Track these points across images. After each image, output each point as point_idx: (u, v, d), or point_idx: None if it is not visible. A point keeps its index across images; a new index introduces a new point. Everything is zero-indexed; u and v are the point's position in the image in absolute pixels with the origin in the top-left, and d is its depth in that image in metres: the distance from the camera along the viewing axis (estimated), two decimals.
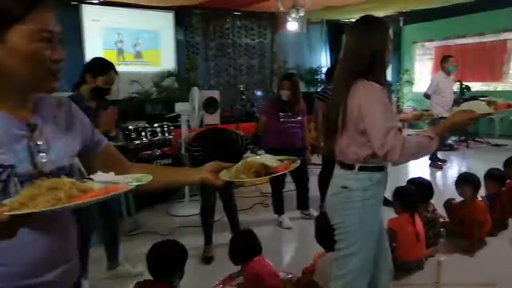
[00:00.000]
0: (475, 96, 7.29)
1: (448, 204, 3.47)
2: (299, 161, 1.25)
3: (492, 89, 8.27)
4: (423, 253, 2.78)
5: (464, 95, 7.21)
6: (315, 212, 3.87)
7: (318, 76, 9.27)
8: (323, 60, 10.02)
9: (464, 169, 5.50)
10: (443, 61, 5.76)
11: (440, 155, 5.88)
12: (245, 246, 2.36)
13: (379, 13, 9.12)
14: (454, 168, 5.84)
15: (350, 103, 1.63)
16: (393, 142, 1.48)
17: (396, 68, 9.95)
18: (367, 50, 1.62)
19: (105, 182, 0.82)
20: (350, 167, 1.69)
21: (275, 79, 8.73)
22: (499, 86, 8.35)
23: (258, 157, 1.25)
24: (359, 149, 1.66)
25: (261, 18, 8.77)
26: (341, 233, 1.75)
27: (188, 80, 7.64)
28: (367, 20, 1.69)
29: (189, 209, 4.02)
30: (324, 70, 9.59)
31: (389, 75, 6.21)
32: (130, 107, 6.63)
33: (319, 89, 8.88)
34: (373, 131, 1.55)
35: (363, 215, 1.69)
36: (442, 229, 3.28)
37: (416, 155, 1.55)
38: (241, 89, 6.93)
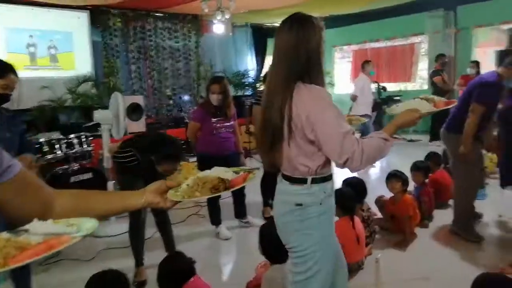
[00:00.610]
0: (391, 96, 7.86)
1: (379, 201, 3.60)
2: (255, 172, 1.14)
3: (403, 89, 8.97)
4: (363, 254, 2.81)
5: (381, 95, 7.69)
6: (254, 219, 3.76)
7: (246, 80, 9.26)
8: (250, 63, 10.05)
9: (385, 165, 5.81)
10: (366, 65, 6.18)
11: None
12: (175, 272, 2.10)
13: None
14: (376, 165, 6.13)
15: (296, 110, 1.48)
16: (352, 149, 1.39)
17: None
18: (305, 50, 1.50)
19: (44, 234, 0.72)
20: (301, 181, 1.54)
21: (202, 83, 8.50)
22: (409, 86, 9.09)
23: (209, 171, 1.12)
24: (309, 160, 1.52)
25: (185, 20, 8.48)
26: (299, 256, 1.59)
27: (108, 85, 7.08)
28: (301, 18, 1.56)
29: (116, 228, 3.64)
30: (251, 73, 9.62)
31: None
32: (41, 117, 5.93)
33: (247, 93, 8.93)
34: (329, 139, 1.43)
35: (322, 232, 1.57)
36: (376, 226, 3.38)
37: (374, 159, 1.47)
38: (168, 93, 6.61)
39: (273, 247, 2.08)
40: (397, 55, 9.12)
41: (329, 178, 1.59)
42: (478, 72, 6.62)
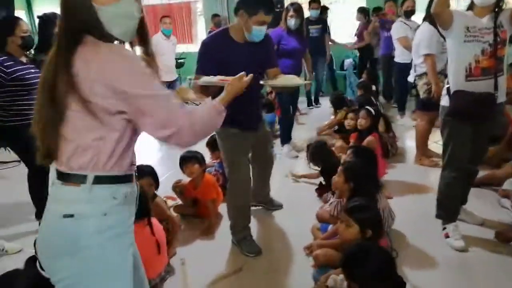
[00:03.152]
0: (176, 59, 7.38)
1: (178, 186, 3.17)
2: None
3: (186, 50, 8.68)
4: (166, 261, 2.32)
5: None
6: None
7: None
8: None
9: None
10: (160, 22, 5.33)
11: None
12: None
13: None
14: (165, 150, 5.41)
15: (88, 73, 1.02)
16: (180, 119, 1.08)
17: None
18: None
19: None
20: (78, 178, 1.06)
21: None
22: (191, 47, 8.88)
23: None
24: (98, 143, 1.06)
25: None
26: None
27: None
28: None
29: None
30: None
31: None
32: None
33: None
34: (150, 108, 1.06)
35: (106, 258, 1.08)
36: (177, 215, 2.97)
37: (207, 133, 1.22)
38: None
39: None
40: (175, 14, 8.64)
41: (124, 179, 1.13)
42: None
